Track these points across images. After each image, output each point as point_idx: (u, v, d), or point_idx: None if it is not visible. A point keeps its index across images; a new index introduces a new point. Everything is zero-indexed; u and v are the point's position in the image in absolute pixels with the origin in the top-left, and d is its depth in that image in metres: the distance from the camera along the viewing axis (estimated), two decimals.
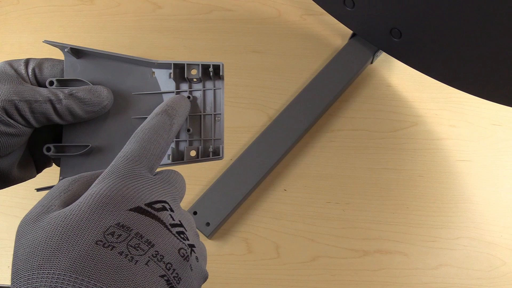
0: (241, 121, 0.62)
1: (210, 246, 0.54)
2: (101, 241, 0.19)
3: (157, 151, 0.24)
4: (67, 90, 0.26)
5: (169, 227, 0.21)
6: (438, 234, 0.55)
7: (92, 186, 0.22)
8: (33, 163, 0.31)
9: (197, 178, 0.58)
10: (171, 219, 0.22)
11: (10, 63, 0.27)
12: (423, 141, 0.61)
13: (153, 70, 0.29)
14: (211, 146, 0.28)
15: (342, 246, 0.54)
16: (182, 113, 0.26)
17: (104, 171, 0.22)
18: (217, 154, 0.28)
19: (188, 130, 0.29)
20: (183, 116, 0.26)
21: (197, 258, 0.23)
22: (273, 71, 0.66)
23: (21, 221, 0.21)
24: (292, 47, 0.69)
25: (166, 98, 0.28)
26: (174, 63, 0.28)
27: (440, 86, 0.61)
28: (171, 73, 0.28)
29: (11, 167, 0.27)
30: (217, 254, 0.54)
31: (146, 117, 0.25)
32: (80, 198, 0.21)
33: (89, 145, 0.27)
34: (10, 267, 0.54)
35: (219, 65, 0.28)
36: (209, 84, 0.28)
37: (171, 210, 0.22)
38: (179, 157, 0.28)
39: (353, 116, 0.63)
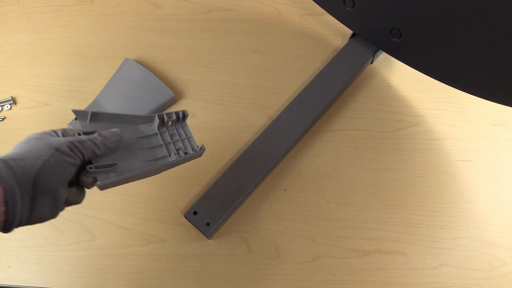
0: (241, 121, 0.62)
1: (210, 246, 0.54)
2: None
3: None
4: (96, 134, 0.38)
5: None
6: (438, 234, 0.55)
7: None
8: None
9: (197, 178, 0.58)
10: None
11: (43, 133, 0.37)
12: (423, 141, 0.61)
13: (140, 123, 0.43)
14: (193, 151, 0.46)
15: (342, 246, 0.54)
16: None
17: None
18: (196, 151, 0.46)
19: (175, 148, 0.45)
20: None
21: None
22: (273, 71, 0.66)
23: None
24: (292, 47, 0.69)
25: (152, 139, 0.43)
26: (157, 115, 0.43)
27: (440, 86, 0.61)
28: (152, 124, 0.44)
29: (64, 197, 0.36)
30: (217, 254, 0.54)
31: (144, 149, 0.42)
32: None
33: (116, 163, 0.38)
34: (10, 267, 0.53)
35: (184, 111, 0.46)
36: (177, 125, 0.46)
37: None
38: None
39: (353, 116, 0.63)
